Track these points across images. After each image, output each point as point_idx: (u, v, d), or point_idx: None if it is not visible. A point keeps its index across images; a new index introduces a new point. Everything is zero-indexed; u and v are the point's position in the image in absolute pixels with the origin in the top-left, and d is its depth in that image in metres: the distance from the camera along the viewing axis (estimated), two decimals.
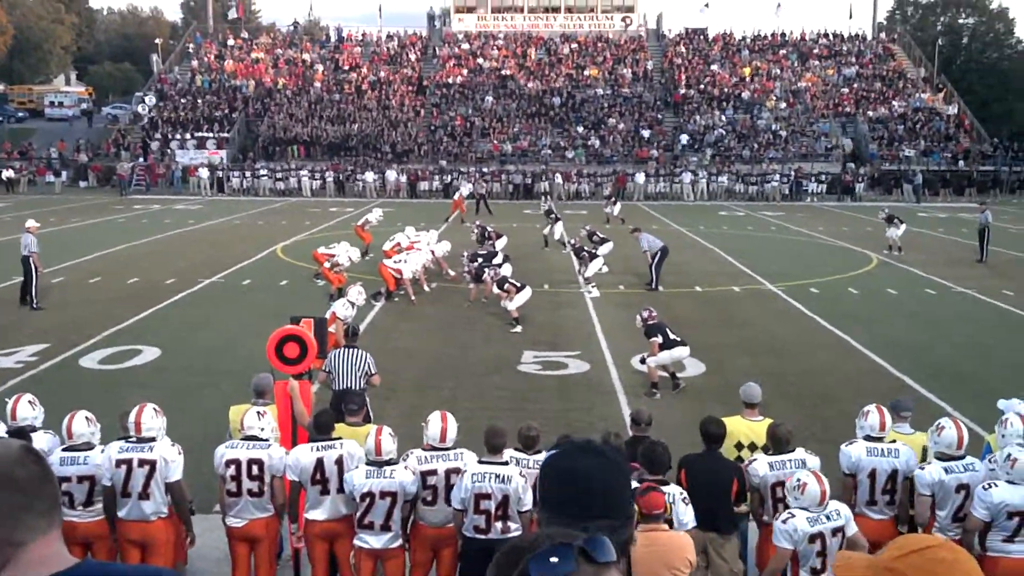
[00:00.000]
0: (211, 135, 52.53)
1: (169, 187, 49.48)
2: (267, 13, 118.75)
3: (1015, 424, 7.42)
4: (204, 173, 48.62)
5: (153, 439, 7.11)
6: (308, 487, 7.28)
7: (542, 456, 7.39)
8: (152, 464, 7.00)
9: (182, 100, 56.82)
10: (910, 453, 7.43)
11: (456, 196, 37.31)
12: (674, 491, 6.55)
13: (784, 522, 6.34)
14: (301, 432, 8.20)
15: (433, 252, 22.07)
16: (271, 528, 7.39)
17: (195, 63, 61.34)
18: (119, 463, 6.99)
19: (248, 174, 49.43)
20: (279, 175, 49.13)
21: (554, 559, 1.66)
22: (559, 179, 48.11)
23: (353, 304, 13.58)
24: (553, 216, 29.56)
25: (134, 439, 7.11)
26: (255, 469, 7.22)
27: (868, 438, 7.49)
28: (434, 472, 7.18)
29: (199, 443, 10.33)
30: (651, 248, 21.71)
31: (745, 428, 8.20)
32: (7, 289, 20.58)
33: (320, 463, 7.26)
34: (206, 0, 73.08)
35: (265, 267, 24.42)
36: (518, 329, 17.40)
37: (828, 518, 6.36)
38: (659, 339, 13.45)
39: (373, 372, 10.36)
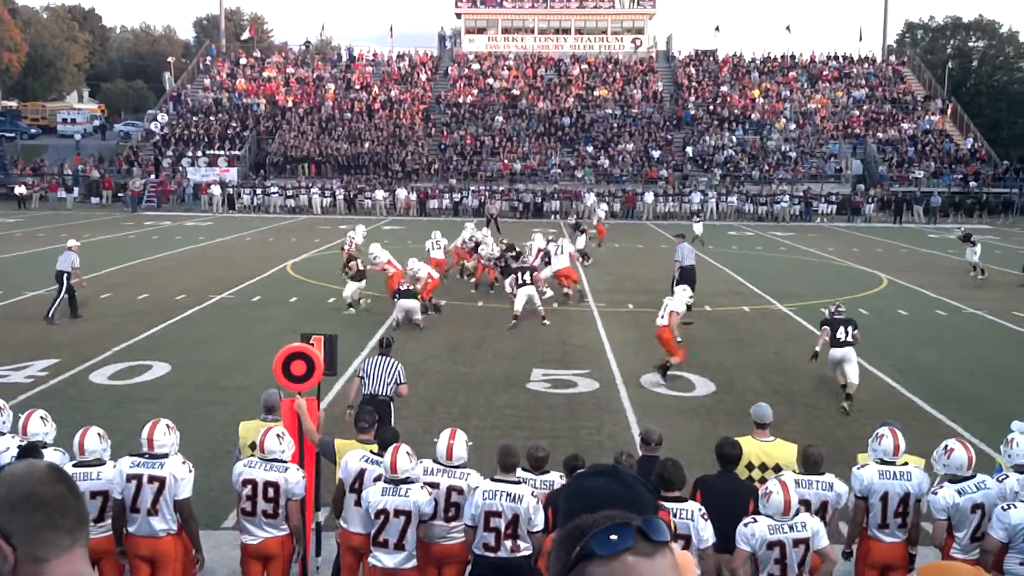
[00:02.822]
0: (222, 153, 52.78)
1: (180, 204, 49.74)
2: (279, 33, 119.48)
3: (1020, 444, 7.42)
4: (216, 190, 48.83)
5: (165, 455, 7.11)
6: (347, 493, 7.42)
7: (550, 476, 7.40)
8: (162, 481, 6.98)
9: (194, 118, 57.16)
10: (923, 476, 7.41)
11: (596, 221, 35.11)
12: (692, 507, 6.56)
13: (746, 526, 6.52)
14: (309, 448, 8.19)
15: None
16: (286, 546, 7.38)
17: (207, 81, 61.76)
18: (129, 478, 6.98)
19: (259, 191, 49.66)
20: (289, 192, 49.34)
21: (613, 536, 1.74)
22: (590, 199, 47.53)
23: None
24: (581, 229, 29.88)
25: (146, 455, 7.11)
26: (270, 492, 7.23)
27: (881, 461, 7.46)
28: (436, 486, 7.19)
29: (208, 459, 10.35)
30: (681, 260, 21.22)
31: (756, 448, 8.17)
32: (16, 305, 20.68)
33: (361, 474, 7.38)
34: (219, 19, 73.65)
35: (275, 284, 24.46)
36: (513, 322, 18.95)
37: (792, 528, 6.46)
38: (828, 331, 14.02)
39: (403, 381, 10.87)
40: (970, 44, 78.30)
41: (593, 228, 34.08)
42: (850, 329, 14.01)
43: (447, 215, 47.09)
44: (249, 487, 7.23)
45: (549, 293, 21.62)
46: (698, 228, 35.65)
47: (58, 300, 19.09)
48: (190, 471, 7.15)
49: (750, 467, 8.06)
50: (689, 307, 18.20)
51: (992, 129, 64.34)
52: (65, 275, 19.18)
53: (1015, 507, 6.65)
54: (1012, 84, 73.30)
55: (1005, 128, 68.43)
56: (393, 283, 20.03)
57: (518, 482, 7.00)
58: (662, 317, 15.04)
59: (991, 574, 6.47)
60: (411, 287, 19.03)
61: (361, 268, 20.70)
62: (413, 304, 18.65)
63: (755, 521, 6.51)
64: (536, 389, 14.65)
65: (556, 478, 7.44)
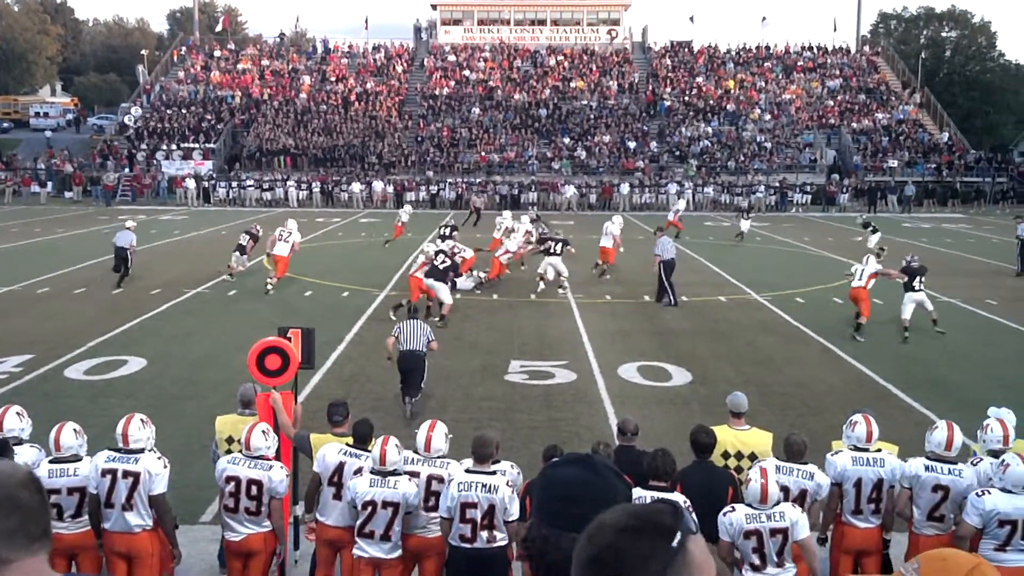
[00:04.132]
0: (197, 146, 52.41)
1: (155, 198, 49.33)
2: (253, 24, 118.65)
3: (995, 430, 7.56)
4: (190, 184, 48.48)
5: (140, 450, 7.07)
6: (324, 486, 7.39)
7: (501, 465, 7.43)
8: (136, 476, 6.94)
9: (168, 111, 56.69)
10: (896, 463, 7.50)
11: (674, 216, 33.81)
12: (678, 499, 6.59)
13: (724, 515, 6.60)
14: (285, 443, 8.17)
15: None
16: (268, 542, 7.35)
17: (181, 74, 61.27)
18: (104, 472, 6.94)
19: (234, 184, 49.33)
20: (265, 186, 49.06)
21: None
22: (570, 191, 48.31)
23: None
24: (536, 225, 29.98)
25: (121, 449, 7.07)
26: (254, 490, 7.20)
27: (855, 448, 7.54)
28: (416, 475, 7.22)
29: (184, 454, 10.32)
30: (662, 254, 21.00)
31: (732, 437, 8.22)
32: None
33: (341, 467, 7.36)
34: (192, 11, 73.09)
35: (252, 278, 24.33)
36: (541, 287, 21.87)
37: (769, 517, 6.53)
38: (904, 279, 17.52)
39: (432, 339, 12.61)
40: (943, 34, 78.83)
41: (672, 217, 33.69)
42: (921, 277, 17.75)
43: (424, 207, 46.98)
44: (232, 484, 7.19)
45: (542, 286, 22.06)
46: (744, 225, 35.24)
47: (128, 271, 22.50)
48: (165, 466, 7.10)
49: (726, 456, 8.11)
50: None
51: (966, 119, 64.86)
52: (128, 251, 22.39)
53: (989, 493, 6.75)
54: (984, 74, 73.89)
55: (978, 117, 69.02)
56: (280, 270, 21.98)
57: (493, 472, 7.03)
58: (859, 279, 17.79)
59: None
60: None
61: (241, 243, 23.39)
62: (436, 284, 18.89)
63: (733, 510, 6.58)
64: (514, 380, 14.68)
65: (507, 467, 7.45)
